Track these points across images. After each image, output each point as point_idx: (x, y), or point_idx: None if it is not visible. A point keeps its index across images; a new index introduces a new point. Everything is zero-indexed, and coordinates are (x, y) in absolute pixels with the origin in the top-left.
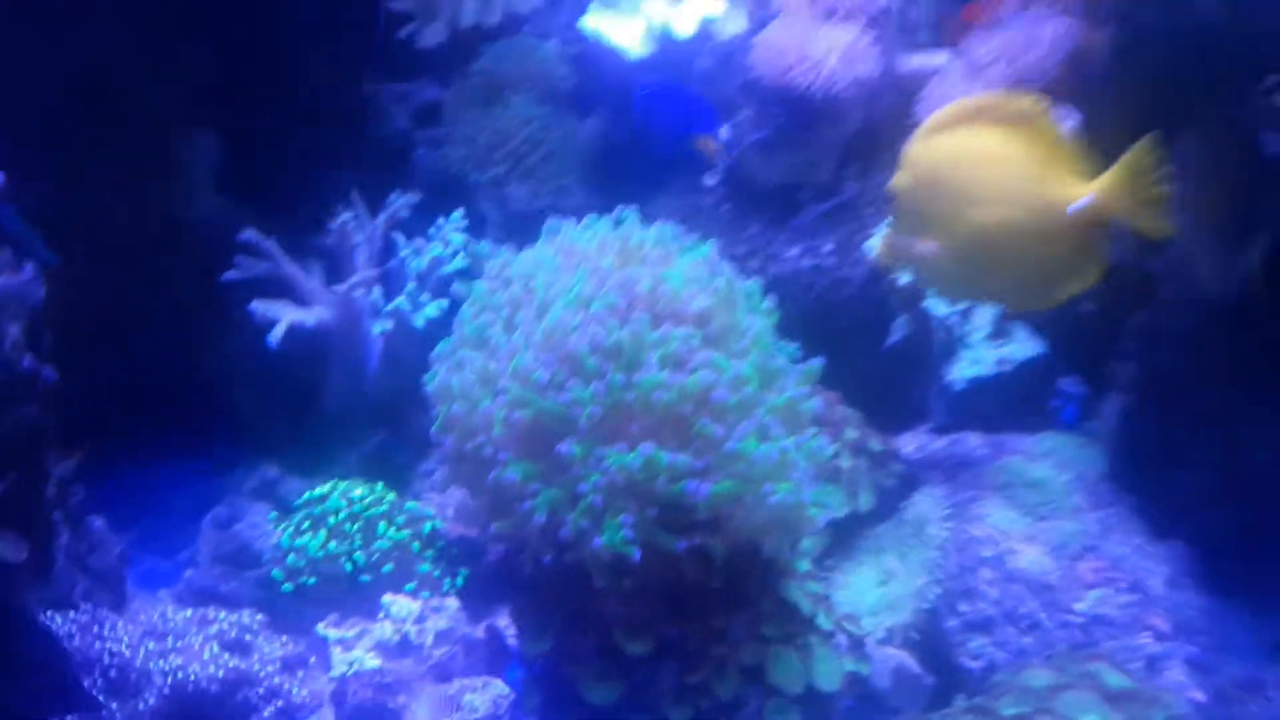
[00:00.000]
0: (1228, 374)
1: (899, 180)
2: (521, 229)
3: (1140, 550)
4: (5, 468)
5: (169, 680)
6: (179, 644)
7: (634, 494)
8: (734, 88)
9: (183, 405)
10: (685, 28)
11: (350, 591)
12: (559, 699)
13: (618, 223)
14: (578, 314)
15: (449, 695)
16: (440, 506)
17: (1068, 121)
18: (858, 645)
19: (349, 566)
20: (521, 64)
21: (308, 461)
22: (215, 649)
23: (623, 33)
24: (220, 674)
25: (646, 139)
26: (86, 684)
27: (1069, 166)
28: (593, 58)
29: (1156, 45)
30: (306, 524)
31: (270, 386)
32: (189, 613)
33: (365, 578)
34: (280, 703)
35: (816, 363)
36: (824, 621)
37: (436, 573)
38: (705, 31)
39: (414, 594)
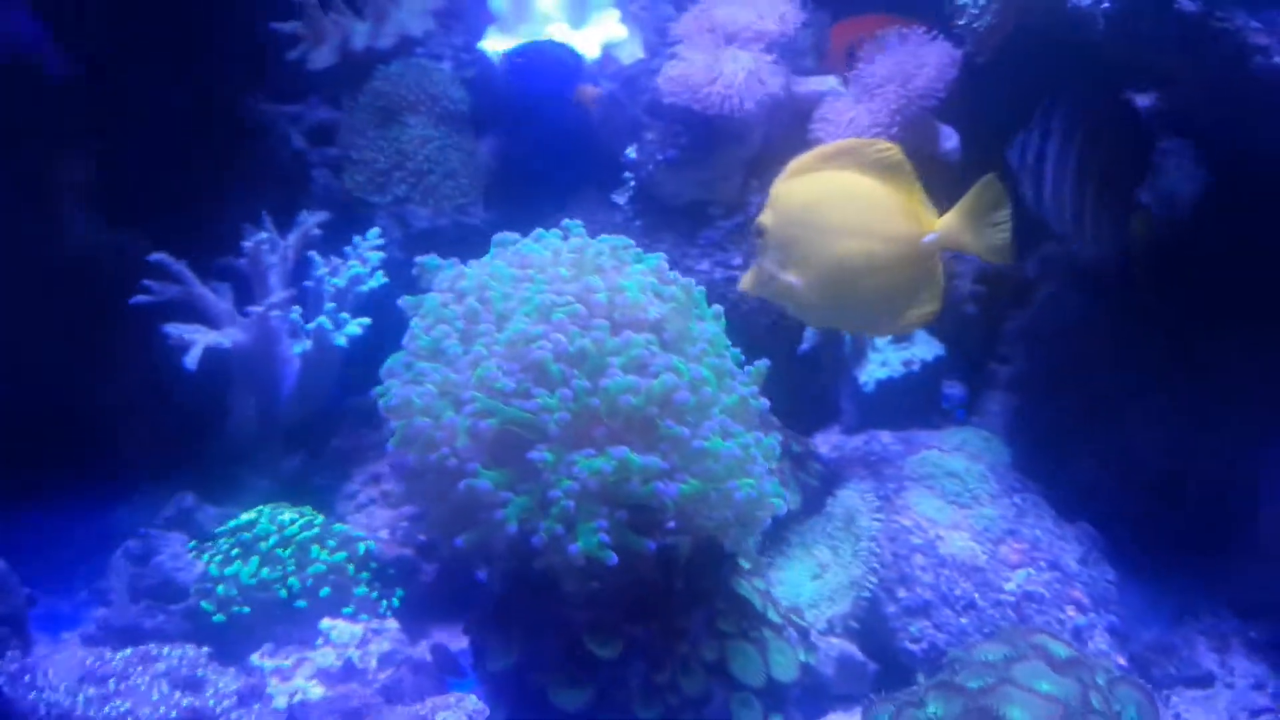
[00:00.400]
0: (1109, 365)
1: (765, 218)
2: (425, 248)
3: (1051, 532)
4: None
5: None
6: (123, 686)
7: (604, 498)
8: (640, 109)
9: (69, 439)
10: (589, 51)
11: (284, 619)
12: (526, 708)
13: (565, 235)
14: (539, 323)
15: (420, 714)
16: (368, 528)
17: (948, 142)
18: (804, 636)
19: (283, 593)
20: (417, 86)
21: (218, 490)
22: (165, 688)
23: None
24: (174, 714)
25: (540, 140)
26: None
27: (919, 204)
28: (486, 79)
29: (1038, 60)
30: (235, 552)
31: (165, 415)
32: (128, 652)
33: (301, 603)
34: None
35: (763, 364)
36: (773, 615)
37: (374, 594)
38: (607, 55)
39: (353, 617)
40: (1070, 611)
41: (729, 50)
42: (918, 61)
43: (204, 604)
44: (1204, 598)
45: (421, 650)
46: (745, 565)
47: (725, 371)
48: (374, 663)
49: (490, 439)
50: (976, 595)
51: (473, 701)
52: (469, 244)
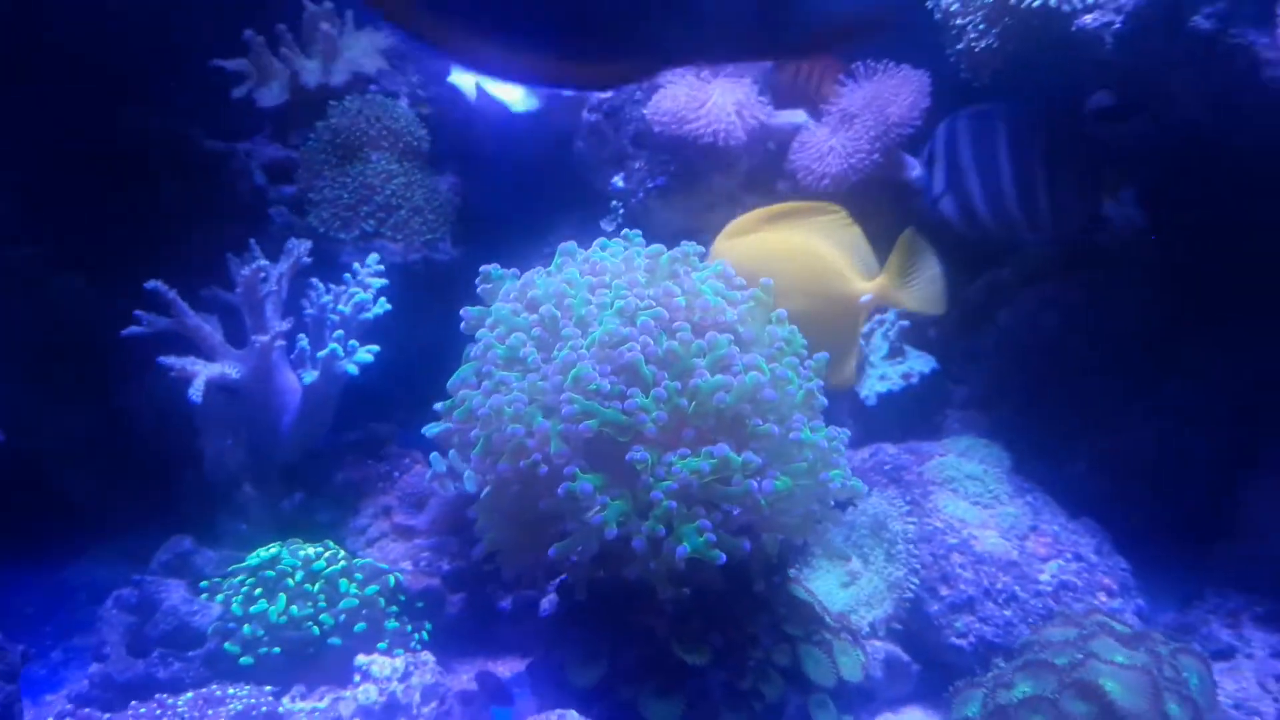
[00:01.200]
0: (1089, 374)
1: None
2: (399, 283)
3: (1066, 527)
4: None
5: None
6: None
7: (700, 499)
8: (626, 139)
9: (17, 487)
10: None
11: (315, 658)
12: None
13: (626, 245)
14: (625, 326)
15: None
16: (384, 562)
17: (913, 171)
18: (855, 638)
19: (316, 630)
20: (377, 121)
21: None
22: None
23: (506, 87)
24: None
25: (510, 175)
26: None
27: (858, 263)
28: (446, 115)
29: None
30: (258, 590)
31: (127, 462)
32: (190, 695)
33: (335, 640)
34: None
35: (823, 357)
36: (829, 619)
37: (408, 628)
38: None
39: (387, 651)
40: (1102, 597)
41: (716, 82)
42: (893, 91)
43: (228, 646)
44: (1206, 582)
45: (463, 681)
46: (790, 573)
47: (798, 369)
48: (417, 697)
49: (582, 444)
50: (1017, 588)
51: (574, 716)
52: (440, 280)
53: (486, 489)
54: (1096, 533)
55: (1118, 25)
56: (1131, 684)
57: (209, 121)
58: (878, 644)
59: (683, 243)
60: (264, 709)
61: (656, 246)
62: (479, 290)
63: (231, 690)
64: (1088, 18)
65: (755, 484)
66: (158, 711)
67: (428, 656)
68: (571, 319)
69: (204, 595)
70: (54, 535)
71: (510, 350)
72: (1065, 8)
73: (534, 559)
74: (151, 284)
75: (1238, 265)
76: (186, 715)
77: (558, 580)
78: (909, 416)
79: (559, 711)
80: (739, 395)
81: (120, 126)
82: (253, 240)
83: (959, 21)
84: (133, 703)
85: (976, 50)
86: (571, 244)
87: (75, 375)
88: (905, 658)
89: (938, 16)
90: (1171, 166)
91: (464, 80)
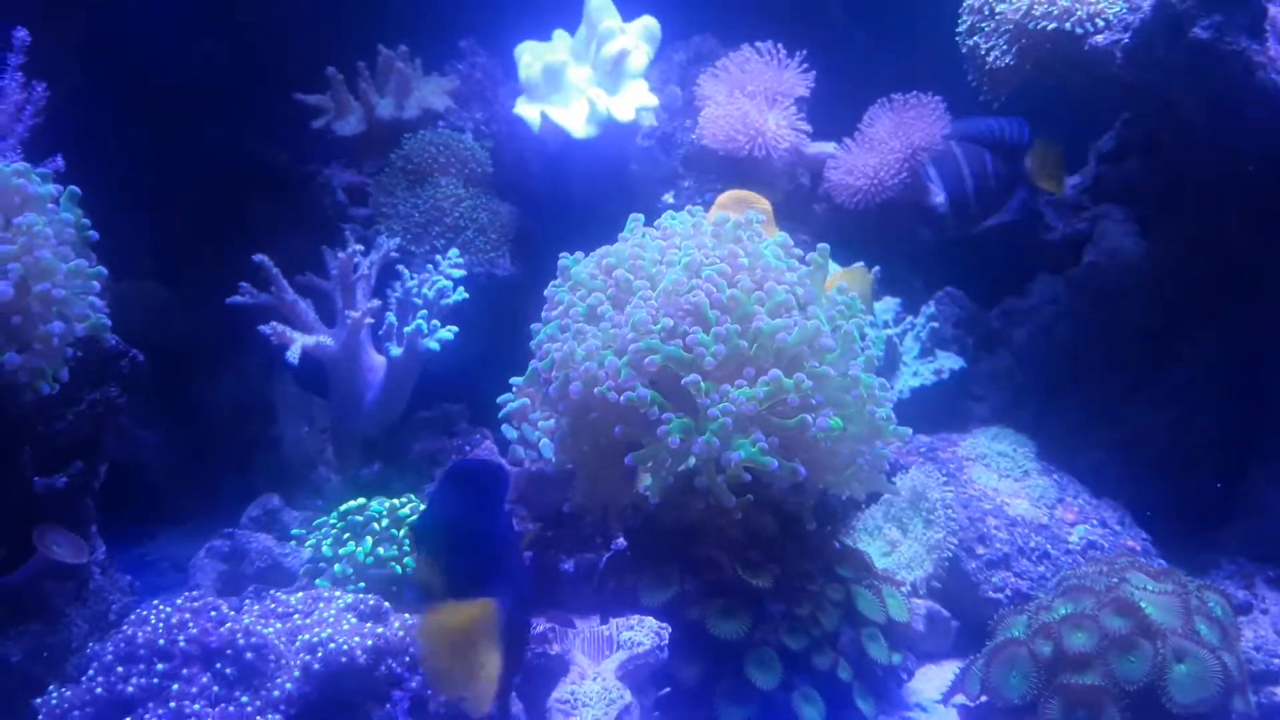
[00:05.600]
0: (1099, 373)
1: None
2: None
3: (1090, 502)
4: (72, 454)
5: (318, 655)
6: (308, 620)
7: (756, 423)
8: (676, 161)
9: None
10: (625, 114)
11: (397, 598)
12: (689, 637)
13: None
14: (692, 278)
15: (605, 635)
16: None
17: (937, 198)
18: (898, 589)
19: (399, 569)
20: (447, 150)
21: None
22: (353, 619)
23: (568, 117)
24: (370, 642)
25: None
26: (210, 676)
27: None
28: (506, 148)
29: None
30: (346, 535)
31: (193, 450)
32: (300, 594)
33: None
34: None
35: (884, 333)
36: (875, 569)
37: None
38: (639, 118)
39: None
40: (1127, 557)
41: (762, 107)
42: (915, 117)
43: (319, 582)
44: (1219, 553)
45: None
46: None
47: (863, 329)
48: None
49: (650, 375)
50: (1048, 546)
51: (652, 621)
52: (498, 292)
53: (564, 419)
54: (1118, 508)
55: (1126, 41)
56: (1165, 605)
57: (288, 147)
58: (919, 601)
59: (748, 211)
60: (370, 603)
61: (722, 214)
62: (559, 270)
63: (338, 592)
64: (1099, 38)
65: (810, 418)
66: (271, 605)
67: None
68: (644, 278)
69: (293, 543)
70: (132, 517)
71: (590, 309)
72: (1078, 30)
73: (606, 493)
74: (258, 257)
75: (1229, 261)
76: (298, 607)
77: (624, 528)
78: (939, 410)
79: (638, 615)
80: (800, 336)
81: (212, 147)
82: (348, 229)
83: (983, 48)
84: (247, 600)
85: (998, 70)
86: (640, 215)
87: (156, 372)
88: (945, 613)
89: (963, 50)
90: (1166, 183)
91: (528, 111)
